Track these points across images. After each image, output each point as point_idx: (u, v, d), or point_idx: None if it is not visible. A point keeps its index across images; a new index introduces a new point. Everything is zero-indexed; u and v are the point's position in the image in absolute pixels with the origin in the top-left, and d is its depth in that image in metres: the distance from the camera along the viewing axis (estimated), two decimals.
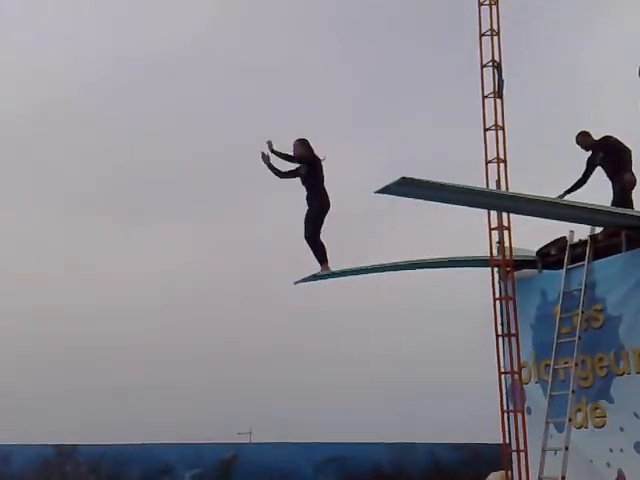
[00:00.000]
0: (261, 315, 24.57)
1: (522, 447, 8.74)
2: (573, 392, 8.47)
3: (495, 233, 9.12)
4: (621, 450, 8.30)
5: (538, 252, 9.77)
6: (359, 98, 28.39)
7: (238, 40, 29.03)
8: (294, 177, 9.65)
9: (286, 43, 27.98)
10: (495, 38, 9.39)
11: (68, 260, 26.29)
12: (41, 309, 24.61)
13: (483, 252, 9.19)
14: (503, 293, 9.24)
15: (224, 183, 29.23)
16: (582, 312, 8.67)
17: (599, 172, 9.49)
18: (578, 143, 9.66)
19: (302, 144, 9.54)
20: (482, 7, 9.47)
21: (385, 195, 7.04)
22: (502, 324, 9.18)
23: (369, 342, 23.61)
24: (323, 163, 9.53)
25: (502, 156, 9.13)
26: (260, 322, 24.28)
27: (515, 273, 9.32)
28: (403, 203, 7.72)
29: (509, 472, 9.18)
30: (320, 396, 22.72)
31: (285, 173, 9.70)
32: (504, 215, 9.02)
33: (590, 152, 9.60)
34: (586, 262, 8.86)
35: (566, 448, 8.25)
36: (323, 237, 9.56)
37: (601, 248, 8.89)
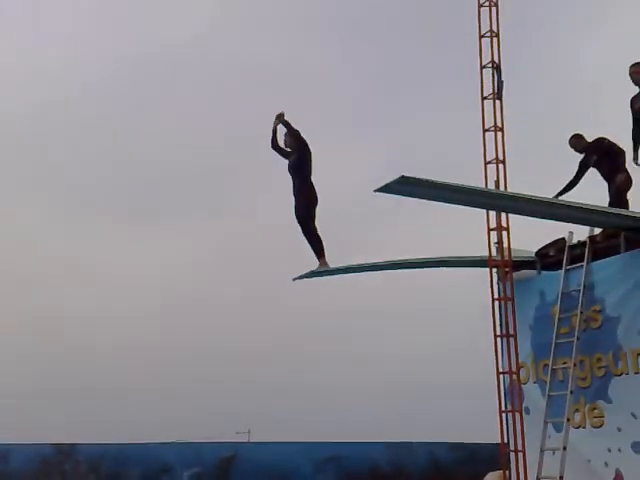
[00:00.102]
0: (261, 315, 24.60)
1: (520, 447, 8.72)
2: (571, 392, 8.47)
3: (494, 234, 9.14)
4: (619, 450, 8.31)
5: (537, 253, 9.78)
6: (359, 98, 28.44)
7: (238, 40, 29.07)
8: (283, 157, 9.62)
9: (286, 43, 28.04)
10: (495, 39, 9.40)
11: (68, 260, 26.33)
12: (41, 309, 24.64)
13: (484, 252, 9.20)
14: (502, 294, 9.25)
15: (224, 183, 29.27)
16: (581, 313, 8.67)
17: (595, 173, 9.48)
18: (571, 146, 9.56)
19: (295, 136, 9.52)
20: (482, 8, 9.48)
21: (385, 194, 7.06)
22: (501, 324, 9.18)
23: (369, 342, 23.64)
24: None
25: (501, 157, 9.14)
26: (260, 322, 24.31)
27: (514, 274, 9.32)
28: (407, 203, 7.75)
29: (507, 472, 9.19)
30: (319, 396, 22.76)
31: (280, 148, 9.65)
32: (503, 216, 9.04)
33: (583, 154, 9.57)
34: (585, 263, 8.86)
35: (564, 448, 8.26)
36: (323, 238, 9.52)
37: (600, 249, 8.89)
